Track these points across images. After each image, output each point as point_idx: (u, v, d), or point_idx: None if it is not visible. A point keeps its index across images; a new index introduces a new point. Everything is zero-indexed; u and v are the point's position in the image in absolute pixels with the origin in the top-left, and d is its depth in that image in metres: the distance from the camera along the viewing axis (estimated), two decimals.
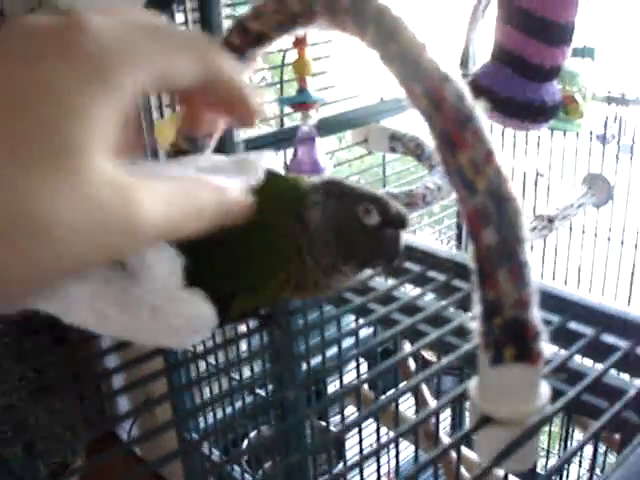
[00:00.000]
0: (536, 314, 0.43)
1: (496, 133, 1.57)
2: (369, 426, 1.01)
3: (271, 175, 0.58)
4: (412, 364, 1.16)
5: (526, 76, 1.16)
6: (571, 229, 1.60)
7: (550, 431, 1.67)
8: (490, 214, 0.42)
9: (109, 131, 0.34)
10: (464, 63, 1.59)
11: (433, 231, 1.88)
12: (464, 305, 0.63)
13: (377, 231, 0.55)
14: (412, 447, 1.16)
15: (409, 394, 1.23)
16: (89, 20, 0.34)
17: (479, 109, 0.43)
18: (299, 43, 1.07)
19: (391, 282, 0.68)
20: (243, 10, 1.32)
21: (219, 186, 0.42)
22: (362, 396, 0.79)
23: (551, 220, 1.34)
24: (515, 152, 1.60)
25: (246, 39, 0.58)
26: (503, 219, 0.42)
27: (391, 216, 0.56)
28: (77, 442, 1.73)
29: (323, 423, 1.05)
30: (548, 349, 0.44)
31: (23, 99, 0.31)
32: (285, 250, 0.55)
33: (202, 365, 1.19)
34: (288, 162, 1.17)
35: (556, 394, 0.48)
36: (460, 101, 0.43)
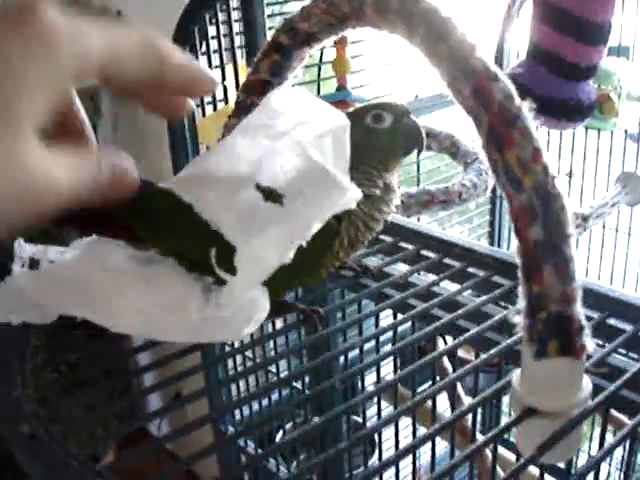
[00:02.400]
0: (580, 309, 0.44)
1: None
2: (404, 422, 1.02)
3: None
4: (447, 362, 1.17)
5: (562, 75, 1.17)
6: (604, 227, 1.60)
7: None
8: (536, 211, 0.43)
9: (45, 105, 0.37)
10: (498, 61, 1.59)
11: (463, 229, 1.89)
12: (504, 301, 0.64)
13: (396, 126, 0.60)
14: (445, 443, 1.17)
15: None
16: (45, 7, 0.37)
17: (525, 108, 0.44)
18: (339, 42, 1.08)
19: (431, 278, 0.69)
20: (287, 8, 1.34)
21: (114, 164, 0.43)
22: (398, 392, 0.79)
23: (585, 218, 1.34)
24: (549, 150, 1.60)
25: (294, 39, 0.60)
26: (549, 215, 0.43)
27: (401, 110, 0.61)
28: (108, 436, 1.75)
29: (359, 418, 1.06)
30: (590, 344, 0.45)
31: None
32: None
33: (239, 359, 1.20)
34: None
35: (596, 390, 0.49)
36: (508, 100, 0.44)
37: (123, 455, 0.52)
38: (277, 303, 0.60)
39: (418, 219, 1.35)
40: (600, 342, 0.59)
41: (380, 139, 0.60)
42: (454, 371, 0.60)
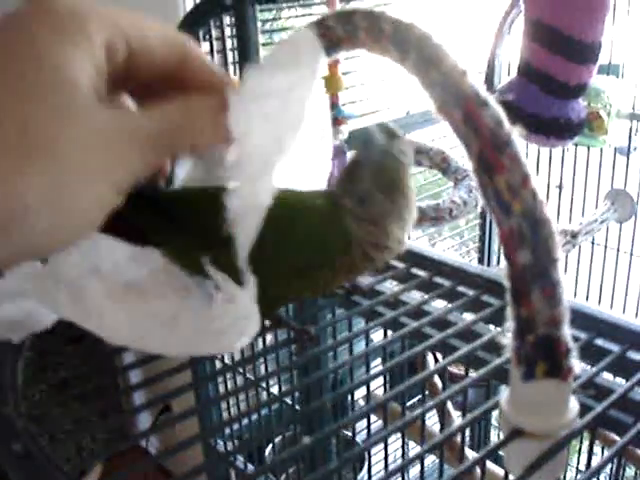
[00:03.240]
0: (567, 331, 0.45)
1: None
2: (394, 437, 1.03)
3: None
4: (437, 377, 1.18)
5: (552, 93, 1.18)
6: (593, 244, 1.61)
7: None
8: (525, 236, 0.44)
9: (88, 75, 0.39)
10: (489, 78, 1.60)
11: (453, 243, 1.90)
12: (493, 320, 0.65)
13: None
14: (434, 457, 1.17)
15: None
16: None
17: (515, 134, 0.45)
18: (333, 62, 1.08)
19: (421, 297, 0.70)
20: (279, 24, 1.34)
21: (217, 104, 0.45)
22: (388, 408, 0.80)
23: (574, 235, 1.36)
24: (539, 164, 1.61)
25: None
26: (537, 241, 0.44)
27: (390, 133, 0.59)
28: (97, 452, 1.75)
29: (348, 433, 1.06)
30: (577, 366, 0.46)
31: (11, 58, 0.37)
32: (333, 234, 0.57)
33: (229, 376, 1.20)
34: None
35: (583, 409, 0.50)
36: (498, 127, 0.45)
37: (112, 472, 0.52)
38: (270, 317, 0.61)
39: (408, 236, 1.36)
40: (588, 363, 0.60)
41: (397, 169, 0.58)
42: (444, 386, 0.61)
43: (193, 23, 1.19)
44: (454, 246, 1.87)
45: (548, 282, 0.44)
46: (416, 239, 1.66)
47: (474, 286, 0.69)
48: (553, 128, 1.20)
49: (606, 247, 1.60)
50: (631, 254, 1.57)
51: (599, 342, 0.61)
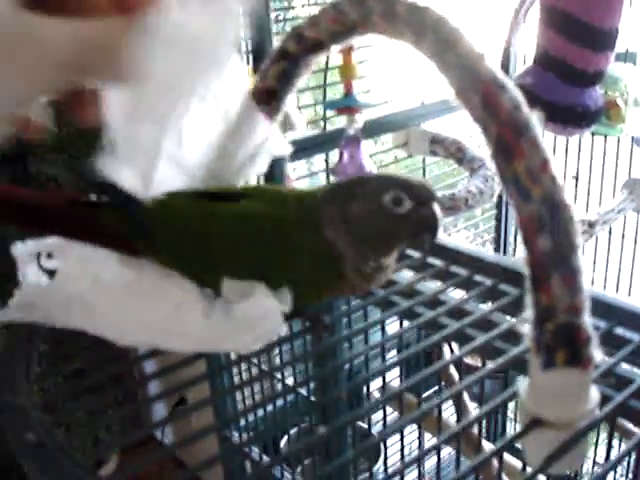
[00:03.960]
0: (587, 320, 0.44)
1: None
2: (409, 427, 1.02)
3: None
4: (453, 368, 1.17)
5: (569, 81, 1.17)
6: (610, 234, 1.59)
7: None
8: (545, 221, 0.43)
9: None
10: (505, 66, 1.59)
11: (468, 234, 1.88)
12: (511, 309, 0.64)
13: (412, 215, 0.55)
14: (450, 448, 1.16)
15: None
16: None
17: (535, 118, 0.44)
18: (346, 48, 1.08)
19: (437, 285, 0.69)
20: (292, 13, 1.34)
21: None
22: (404, 399, 0.79)
23: (592, 225, 1.34)
24: (555, 154, 1.59)
25: (302, 46, 0.60)
26: (557, 226, 0.43)
27: (421, 195, 0.55)
28: (112, 443, 1.75)
29: (364, 425, 1.06)
30: (598, 354, 0.45)
31: None
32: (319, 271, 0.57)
33: (243, 365, 1.20)
34: (331, 165, 1.18)
35: (602, 399, 0.49)
36: (517, 110, 0.44)
37: (127, 463, 0.52)
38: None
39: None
40: (607, 352, 0.59)
41: (392, 224, 0.56)
42: (460, 377, 0.60)
43: None
44: (469, 237, 1.85)
45: (568, 269, 0.43)
46: None
47: (491, 275, 0.68)
48: (570, 116, 1.19)
49: (623, 236, 1.59)
50: None
51: (619, 331, 0.60)
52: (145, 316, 0.55)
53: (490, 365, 0.57)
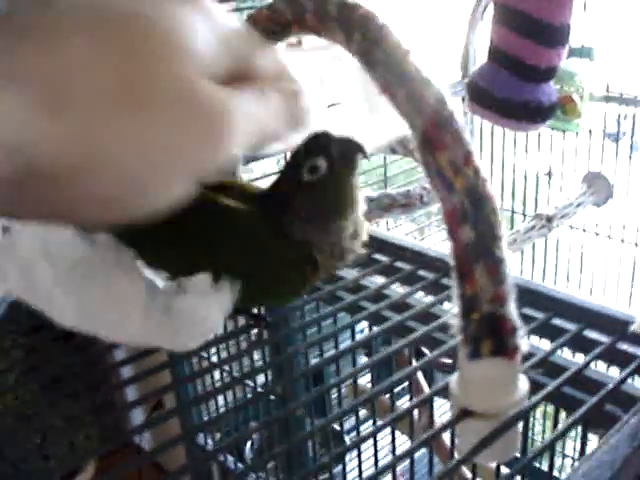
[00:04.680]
0: (513, 309, 0.44)
1: (499, 131, 1.58)
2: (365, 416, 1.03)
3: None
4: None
5: (522, 77, 1.18)
6: (571, 228, 1.61)
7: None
8: (467, 212, 0.43)
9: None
10: (464, 64, 1.60)
11: (442, 237, 1.88)
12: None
13: (331, 173, 0.55)
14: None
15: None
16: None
17: (458, 112, 0.45)
18: (294, 44, 1.08)
19: (382, 280, 0.70)
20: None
21: (292, 91, 0.43)
22: (358, 389, 0.80)
23: (550, 219, 1.35)
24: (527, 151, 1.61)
25: None
26: (480, 218, 0.43)
27: (336, 152, 0.54)
28: (90, 451, 1.75)
29: (336, 427, 1.07)
30: (527, 343, 0.46)
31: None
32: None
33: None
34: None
35: (537, 387, 0.50)
36: (440, 104, 0.45)
37: (104, 471, 0.52)
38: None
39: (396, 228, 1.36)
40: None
41: (320, 194, 0.55)
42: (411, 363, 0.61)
43: None
44: (444, 240, 1.85)
45: (491, 259, 0.43)
46: (406, 234, 1.65)
47: (434, 269, 0.69)
48: (524, 112, 1.20)
49: (584, 230, 1.61)
50: (609, 237, 1.58)
51: (557, 321, 0.61)
52: (85, 299, 0.54)
53: (431, 355, 0.58)
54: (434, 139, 0.44)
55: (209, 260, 0.55)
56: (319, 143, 0.55)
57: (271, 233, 0.56)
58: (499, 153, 1.65)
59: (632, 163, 1.53)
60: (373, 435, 0.67)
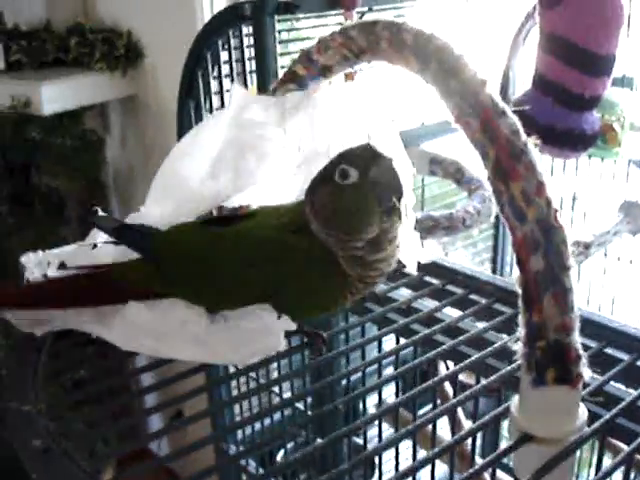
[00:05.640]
0: (577, 338, 0.45)
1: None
2: (404, 445, 1.03)
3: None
4: (448, 386, 1.18)
5: (566, 105, 1.18)
6: (606, 255, 1.61)
7: (580, 457, 1.67)
8: (538, 242, 0.44)
9: None
10: (504, 89, 1.61)
11: (466, 253, 1.89)
12: (505, 328, 0.65)
13: (363, 179, 0.54)
14: (445, 466, 1.17)
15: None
16: None
17: (531, 144, 0.46)
18: (348, 76, 1.09)
19: (433, 304, 0.71)
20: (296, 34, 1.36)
21: None
22: (399, 416, 0.80)
23: (587, 246, 1.35)
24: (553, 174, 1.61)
25: (310, 70, 0.62)
26: (550, 247, 0.44)
27: (365, 159, 0.54)
28: (108, 454, 1.75)
29: (360, 440, 1.07)
30: (587, 373, 0.47)
31: None
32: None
33: (243, 380, 1.21)
34: None
35: (592, 417, 0.50)
36: (515, 135, 0.46)
37: (122, 473, 0.53)
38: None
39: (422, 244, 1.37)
40: (598, 371, 0.61)
41: (347, 198, 0.55)
42: (455, 395, 0.61)
43: (212, 32, 1.20)
44: (467, 256, 1.86)
45: (559, 288, 0.44)
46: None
47: (486, 294, 0.70)
48: (567, 139, 1.20)
49: (619, 259, 1.60)
50: None
51: (609, 351, 0.61)
52: (151, 325, 0.57)
53: (483, 382, 0.58)
54: (508, 169, 0.45)
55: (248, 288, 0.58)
56: (358, 153, 0.55)
57: (297, 238, 0.58)
58: None
59: None
60: (395, 444, 0.67)
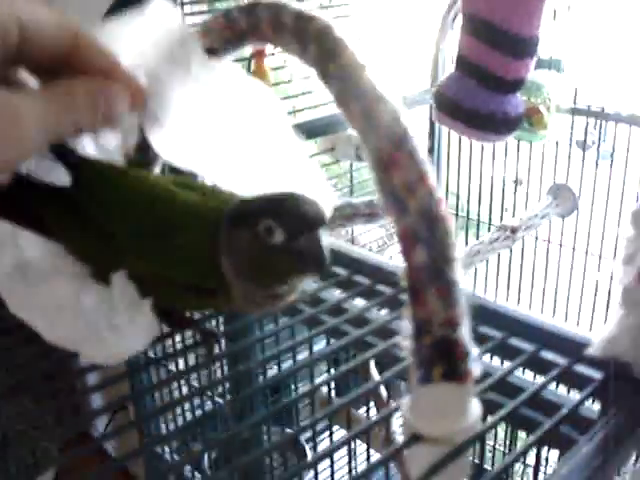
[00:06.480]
0: (465, 333, 0.44)
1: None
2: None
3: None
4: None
5: (489, 88, 1.17)
6: (536, 239, 1.61)
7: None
8: (421, 234, 0.42)
9: None
10: (434, 72, 1.60)
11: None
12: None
13: (289, 245, 0.50)
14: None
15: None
16: None
17: (411, 131, 0.44)
18: (257, 53, 1.07)
19: (341, 295, 0.69)
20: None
21: (97, 89, 0.46)
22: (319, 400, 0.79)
23: (514, 230, 1.35)
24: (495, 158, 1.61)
25: None
26: (433, 239, 0.42)
27: (298, 225, 0.50)
28: (50, 443, 1.72)
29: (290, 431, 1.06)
30: (480, 366, 0.45)
31: None
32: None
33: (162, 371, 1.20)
34: None
35: (495, 407, 0.49)
36: (395, 122, 0.44)
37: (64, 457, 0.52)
38: (177, 316, 0.60)
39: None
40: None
41: (268, 257, 0.50)
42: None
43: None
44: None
45: (444, 282, 0.43)
46: (363, 245, 1.65)
47: (392, 284, 0.68)
48: (490, 123, 1.19)
49: (549, 242, 1.61)
50: (573, 249, 1.58)
51: (513, 341, 0.60)
52: (38, 298, 0.54)
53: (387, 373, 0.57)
54: (388, 158, 0.43)
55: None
56: (287, 212, 0.50)
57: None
58: (466, 159, 1.65)
59: (598, 172, 1.54)
60: (330, 453, 0.66)
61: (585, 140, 1.54)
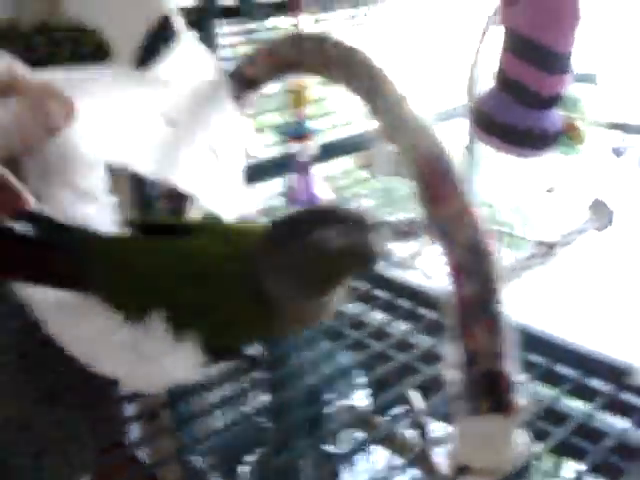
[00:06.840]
0: (510, 364, 0.44)
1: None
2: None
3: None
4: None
5: (526, 104, 1.17)
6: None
7: None
8: (468, 267, 0.43)
9: None
10: (470, 87, 1.60)
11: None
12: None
13: (343, 247, 0.50)
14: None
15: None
16: None
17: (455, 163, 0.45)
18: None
19: (383, 317, 0.69)
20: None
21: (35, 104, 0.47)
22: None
23: (552, 247, 1.34)
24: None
25: (242, 84, 0.60)
26: (480, 272, 0.43)
27: (348, 228, 0.50)
28: (85, 456, 1.73)
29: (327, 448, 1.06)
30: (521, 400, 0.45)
31: None
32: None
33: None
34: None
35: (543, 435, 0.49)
36: (440, 155, 0.44)
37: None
38: (222, 349, 0.60)
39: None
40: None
41: (323, 263, 0.51)
42: None
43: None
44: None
45: (490, 315, 0.43)
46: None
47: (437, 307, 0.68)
48: (528, 139, 1.19)
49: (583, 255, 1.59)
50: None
51: (558, 368, 0.60)
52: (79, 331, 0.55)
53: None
54: (435, 191, 0.44)
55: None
56: (337, 217, 0.51)
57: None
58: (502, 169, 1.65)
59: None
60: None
61: (619, 148, 1.53)
